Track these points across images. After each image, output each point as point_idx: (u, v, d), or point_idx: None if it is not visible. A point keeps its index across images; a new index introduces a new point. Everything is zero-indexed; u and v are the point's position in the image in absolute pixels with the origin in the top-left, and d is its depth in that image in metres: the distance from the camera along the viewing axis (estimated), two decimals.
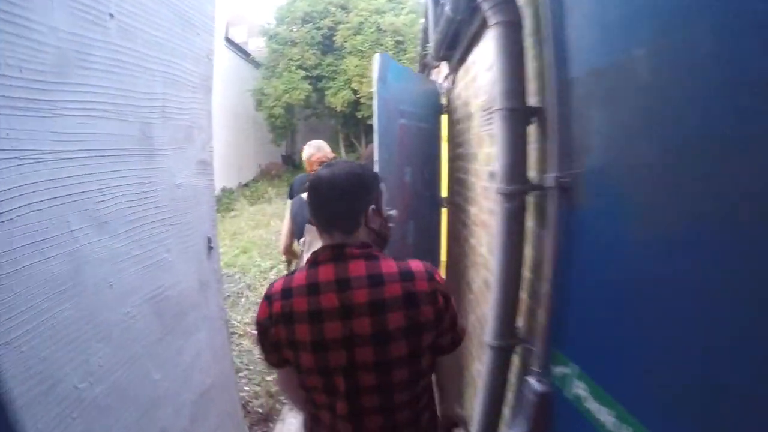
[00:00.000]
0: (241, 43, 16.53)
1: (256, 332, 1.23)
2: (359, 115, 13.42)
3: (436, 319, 1.12)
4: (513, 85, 1.32)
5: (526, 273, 1.40)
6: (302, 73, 13.37)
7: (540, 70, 1.29)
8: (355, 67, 12.68)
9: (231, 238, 9.87)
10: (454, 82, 3.19)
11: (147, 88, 1.44)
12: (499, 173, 1.35)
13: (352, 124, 15.79)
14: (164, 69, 1.53)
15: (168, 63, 1.56)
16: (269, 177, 16.87)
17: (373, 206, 1.18)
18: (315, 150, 3.15)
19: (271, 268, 6.91)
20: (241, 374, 3.70)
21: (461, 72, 2.92)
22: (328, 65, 13.61)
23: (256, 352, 3.79)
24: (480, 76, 2.26)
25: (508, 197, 1.34)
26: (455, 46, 2.84)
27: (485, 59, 2.04)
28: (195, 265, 1.82)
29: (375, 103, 2.34)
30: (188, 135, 1.77)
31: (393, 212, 2.23)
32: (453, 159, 3.39)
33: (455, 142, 3.27)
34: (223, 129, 14.67)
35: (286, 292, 1.13)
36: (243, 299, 5.64)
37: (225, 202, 13.54)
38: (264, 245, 8.61)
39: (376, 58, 2.38)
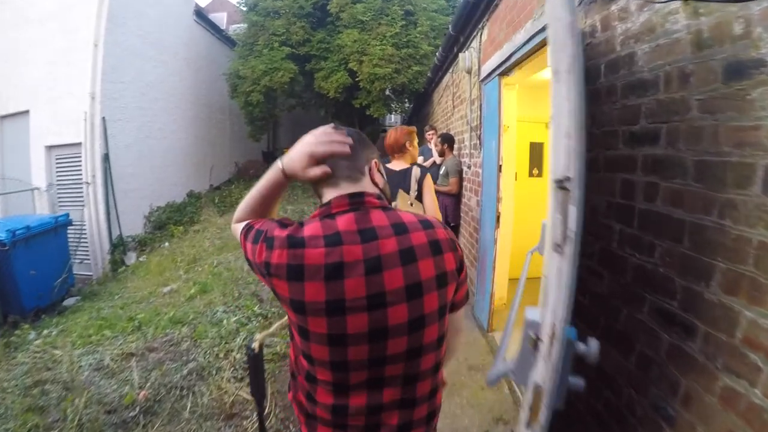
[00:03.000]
0: (226, 33, 13.86)
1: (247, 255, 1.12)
2: (356, 103, 10.81)
3: (458, 267, 1.13)
4: None
5: None
6: (287, 50, 10.69)
7: None
8: (354, 42, 10.05)
9: (188, 266, 7.33)
10: None
11: None
12: None
13: (345, 115, 13.18)
14: None
15: None
16: (247, 178, 14.29)
17: (376, 160, 1.21)
18: None
19: (240, 330, 4.41)
20: None
21: None
22: (319, 42, 10.97)
23: None
24: None
25: None
26: None
27: None
28: None
29: None
30: None
31: None
32: None
33: None
34: (193, 121, 12.15)
35: (294, 240, 1.01)
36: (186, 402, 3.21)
37: (189, 211, 10.97)
38: (231, 280, 6.08)
39: None
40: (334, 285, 0.98)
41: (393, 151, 3.10)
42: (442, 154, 6.05)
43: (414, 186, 2.88)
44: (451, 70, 6.76)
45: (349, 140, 1.16)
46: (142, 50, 9.99)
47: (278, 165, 1.20)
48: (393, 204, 2.33)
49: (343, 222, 1.04)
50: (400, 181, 2.88)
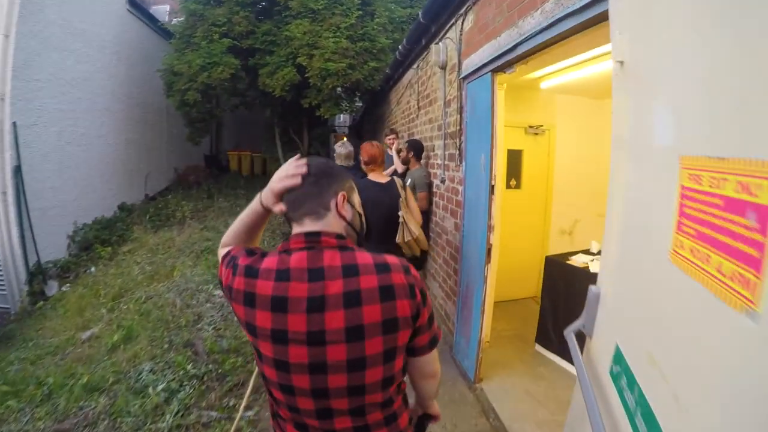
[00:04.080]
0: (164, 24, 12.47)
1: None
2: (305, 103, 9.72)
3: (414, 313, 1.13)
4: None
5: None
6: (228, 42, 9.48)
7: None
8: (304, 34, 8.94)
9: (113, 302, 6.15)
10: None
11: None
12: None
13: (292, 116, 12.10)
14: None
15: None
16: (187, 185, 12.99)
17: (344, 193, 1.22)
18: None
19: (169, 400, 3.45)
20: None
21: None
22: (265, 34, 9.79)
23: None
24: None
25: None
26: None
27: None
28: None
29: None
30: None
31: None
32: None
33: None
34: (124, 123, 10.92)
35: (251, 270, 1.11)
36: None
37: (119, 228, 9.66)
38: (161, 322, 5.03)
39: None
40: (279, 317, 1.06)
41: (371, 166, 3.39)
42: (406, 162, 5.17)
43: (402, 193, 3.18)
44: (416, 66, 5.89)
45: (302, 171, 1.20)
46: (64, 42, 8.54)
47: (258, 197, 1.30)
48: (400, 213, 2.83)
49: (296, 259, 1.10)
50: (389, 192, 3.16)
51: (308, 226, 1.16)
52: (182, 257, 7.55)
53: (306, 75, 8.93)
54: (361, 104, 13.07)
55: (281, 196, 1.22)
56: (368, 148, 3.41)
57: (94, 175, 9.82)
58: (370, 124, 14.07)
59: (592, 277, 3.64)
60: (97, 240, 9.21)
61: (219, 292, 5.82)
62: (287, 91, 9.31)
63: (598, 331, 1.46)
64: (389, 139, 6.09)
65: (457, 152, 3.96)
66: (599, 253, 4.28)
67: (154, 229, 9.75)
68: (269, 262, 1.11)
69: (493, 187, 3.18)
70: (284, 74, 9.10)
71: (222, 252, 1.30)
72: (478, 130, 3.41)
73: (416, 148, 5.10)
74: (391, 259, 1.15)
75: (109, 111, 10.28)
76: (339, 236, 1.16)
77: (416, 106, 5.96)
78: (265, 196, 1.26)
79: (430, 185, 4.95)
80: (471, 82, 3.56)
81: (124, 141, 11.02)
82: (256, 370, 2.08)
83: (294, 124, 12.48)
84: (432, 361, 1.27)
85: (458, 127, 3.94)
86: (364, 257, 1.12)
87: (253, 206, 1.30)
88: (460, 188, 3.89)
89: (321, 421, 1.12)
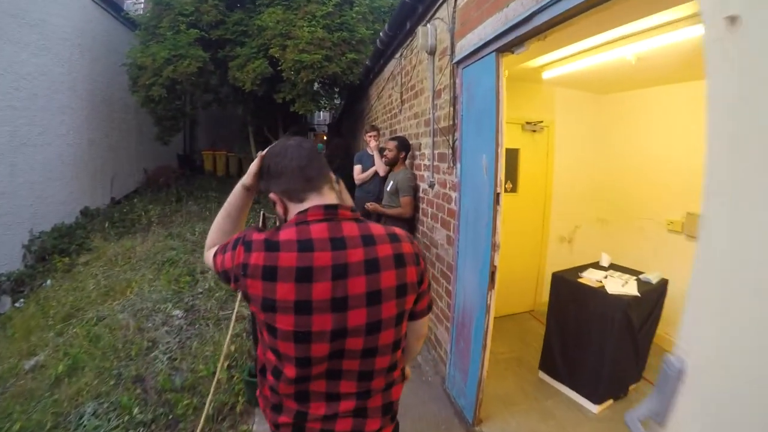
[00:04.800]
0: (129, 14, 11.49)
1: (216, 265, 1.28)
2: (278, 98, 8.98)
3: (419, 280, 1.27)
4: None
5: None
6: (195, 33, 8.72)
7: None
8: (277, 23, 8.21)
9: (63, 323, 5.44)
10: None
11: None
12: None
13: (265, 113, 11.34)
14: None
15: None
16: (156, 187, 12.19)
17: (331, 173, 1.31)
18: None
19: None
20: None
21: None
22: (236, 24, 9.04)
23: None
24: None
25: None
26: None
27: None
28: None
29: None
30: None
31: None
32: None
33: None
34: (87, 122, 10.56)
35: (272, 244, 1.14)
36: None
37: (79, 235, 8.90)
38: (112, 350, 4.38)
39: None
40: (303, 287, 1.10)
41: None
42: (392, 163, 4.56)
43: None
44: (399, 54, 5.29)
45: (261, 153, 1.37)
46: (18, 34, 7.75)
47: (240, 182, 1.42)
48: None
49: (317, 230, 1.15)
50: None
51: (323, 199, 1.23)
52: (142, 269, 6.84)
53: (279, 68, 8.22)
54: (339, 101, 12.40)
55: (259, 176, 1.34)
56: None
57: (53, 178, 9.08)
58: (349, 121, 13.41)
59: (610, 300, 3.13)
60: (56, 250, 8.46)
61: (178, 312, 5.19)
62: (259, 86, 8.57)
63: (680, 425, 0.92)
64: (369, 137, 5.49)
65: (450, 151, 3.37)
66: (611, 267, 3.73)
67: (117, 236, 8.97)
68: (288, 234, 1.15)
69: (498, 195, 2.59)
70: (255, 67, 8.36)
71: (211, 253, 1.37)
72: (477, 124, 2.82)
73: (406, 148, 4.50)
74: (399, 230, 1.28)
75: (69, 108, 9.52)
76: (352, 209, 1.26)
77: (399, 100, 5.36)
78: (245, 179, 1.40)
79: (416, 189, 4.36)
80: (467, 67, 2.97)
81: (86, 141, 10.24)
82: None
83: (268, 122, 11.74)
84: (427, 322, 1.41)
85: (451, 122, 3.34)
86: (377, 228, 1.23)
87: (237, 192, 1.42)
88: (454, 195, 3.31)
89: (328, 382, 1.19)
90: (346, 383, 1.20)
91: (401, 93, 5.25)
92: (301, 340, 1.12)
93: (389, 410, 1.31)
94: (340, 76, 8.29)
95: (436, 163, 3.79)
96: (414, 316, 1.32)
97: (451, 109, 3.33)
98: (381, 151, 5.34)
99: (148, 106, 9.49)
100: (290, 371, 1.16)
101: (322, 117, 22.95)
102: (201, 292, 5.71)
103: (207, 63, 8.77)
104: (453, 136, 3.29)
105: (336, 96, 11.48)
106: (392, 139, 4.61)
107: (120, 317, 5.18)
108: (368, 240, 1.18)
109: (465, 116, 3.06)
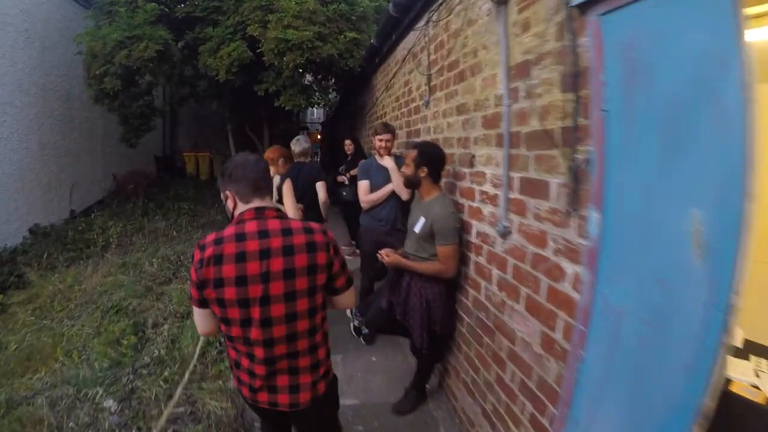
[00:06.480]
0: None
1: (191, 277, 1.58)
2: (259, 89, 7.22)
3: (327, 262, 1.64)
4: None
5: None
6: (154, 7, 6.98)
7: None
8: None
9: None
10: None
11: None
12: None
13: (245, 109, 9.56)
14: None
15: None
16: (124, 196, 10.45)
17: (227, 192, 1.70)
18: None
19: None
20: None
21: None
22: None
23: None
24: None
25: None
26: None
27: None
28: None
29: None
30: None
31: None
32: None
33: None
34: (37, 121, 8.54)
35: (218, 240, 1.55)
36: None
37: (21, 262, 7.24)
38: None
39: None
40: (240, 266, 1.51)
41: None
42: (414, 184, 2.93)
43: (275, 193, 3.51)
44: (425, 21, 3.59)
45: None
46: None
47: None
48: None
49: (249, 226, 1.57)
50: None
51: (257, 203, 1.64)
52: (82, 316, 5.18)
53: (259, 50, 6.49)
54: (335, 95, 10.63)
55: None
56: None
57: None
58: (344, 119, 11.63)
59: None
60: None
61: (110, 403, 3.54)
62: (236, 74, 6.80)
63: None
64: (380, 140, 3.84)
65: (573, 185, 1.67)
66: None
67: (68, 263, 7.29)
68: (229, 230, 1.57)
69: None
70: (230, 51, 6.59)
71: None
72: (663, 133, 1.18)
73: (432, 160, 2.82)
74: (314, 225, 1.69)
75: (12, 106, 7.90)
76: (277, 210, 1.68)
77: (425, 88, 3.67)
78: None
79: (460, 231, 2.72)
80: (620, 11, 1.30)
81: (37, 144, 8.61)
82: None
83: (250, 118, 9.98)
84: (350, 295, 1.81)
85: (570, 122, 1.65)
86: (296, 223, 1.64)
87: None
88: (573, 269, 1.65)
89: (266, 349, 1.59)
90: (280, 347, 1.60)
91: (429, 77, 3.55)
92: (242, 305, 1.52)
93: (317, 368, 1.71)
94: (336, 61, 6.47)
95: (515, 196, 2.11)
96: (336, 291, 1.74)
97: (570, 97, 1.64)
98: (398, 161, 3.71)
99: (101, 103, 7.74)
100: (237, 331, 1.58)
101: (316, 114, 21.22)
102: (147, 364, 4.03)
103: (170, 46, 7.00)
104: (577, 149, 1.61)
105: (331, 90, 9.71)
106: (415, 146, 2.93)
107: (37, 404, 3.55)
108: (287, 232, 1.58)
109: (615, 113, 1.39)
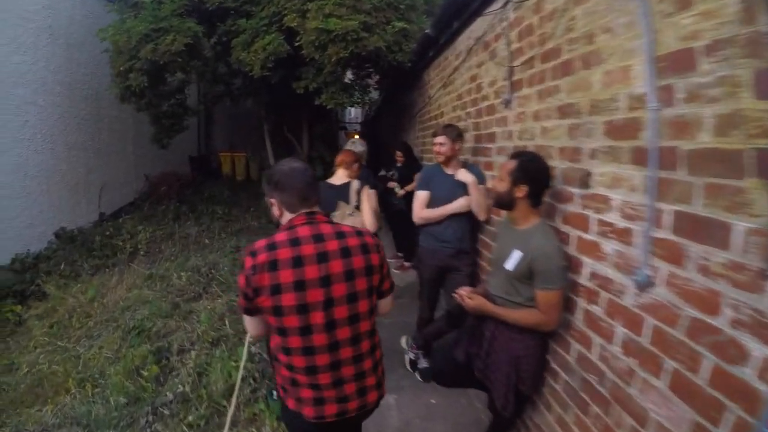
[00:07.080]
0: None
1: (240, 285, 1.54)
2: (298, 87, 6.52)
3: (380, 264, 1.66)
4: None
5: None
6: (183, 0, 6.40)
7: None
8: None
9: None
10: None
11: None
12: None
13: (286, 108, 8.85)
14: None
15: None
16: (156, 197, 10.02)
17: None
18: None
19: None
20: None
21: None
22: None
23: None
24: None
25: None
26: None
27: None
28: None
29: None
30: None
31: None
32: None
33: None
34: (63, 121, 8.21)
35: (271, 245, 1.52)
36: None
37: (43, 270, 6.82)
38: None
39: None
40: (298, 270, 1.48)
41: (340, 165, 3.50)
42: (507, 204, 2.25)
43: (354, 197, 3.31)
44: (503, 1, 2.85)
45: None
46: None
47: None
48: (332, 214, 3.19)
49: (302, 230, 1.55)
50: (340, 194, 3.31)
51: (307, 208, 1.62)
52: (102, 336, 4.69)
53: (297, 43, 5.82)
54: (376, 92, 9.87)
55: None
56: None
57: (14, 195, 7.29)
58: (388, 118, 10.88)
59: None
60: (10, 292, 6.43)
61: None
62: (271, 70, 6.15)
63: None
64: (439, 144, 3.17)
65: None
66: None
67: (92, 271, 6.86)
68: (281, 236, 1.54)
69: None
70: (266, 44, 5.94)
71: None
72: None
73: (536, 178, 2.11)
74: (362, 228, 1.79)
75: (35, 106, 7.59)
76: (326, 214, 1.70)
77: (505, 83, 2.91)
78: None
79: (567, 271, 2.01)
80: None
81: (63, 145, 8.28)
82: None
83: (289, 118, 9.34)
84: (391, 301, 1.82)
85: None
86: (346, 227, 1.65)
87: None
88: None
89: (331, 354, 1.54)
90: (345, 351, 1.57)
91: (510, 71, 2.81)
92: (300, 311, 1.48)
93: (376, 369, 1.71)
94: (384, 54, 5.71)
95: (666, 236, 1.40)
96: (381, 294, 1.72)
97: None
98: (474, 171, 3.05)
99: (129, 101, 7.24)
100: (295, 341, 1.51)
101: (354, 114, 20.55)
102: (170, 402, 3.44)
103: (200, 40, 6.40)
104: None
105: (371, 88, 8.98)
106: (513, 156, 2.20)
107: None
108: (340, 235, 1.59)
109: None
